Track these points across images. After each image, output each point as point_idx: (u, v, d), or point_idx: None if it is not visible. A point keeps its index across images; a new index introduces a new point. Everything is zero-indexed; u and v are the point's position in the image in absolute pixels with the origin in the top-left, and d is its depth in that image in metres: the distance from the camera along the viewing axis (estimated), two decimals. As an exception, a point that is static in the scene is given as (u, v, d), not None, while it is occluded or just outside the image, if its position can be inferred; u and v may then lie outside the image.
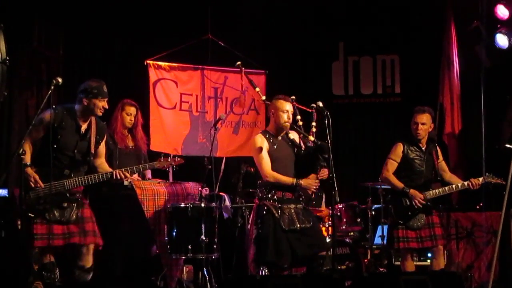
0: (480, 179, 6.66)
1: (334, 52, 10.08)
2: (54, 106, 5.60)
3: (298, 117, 6.24)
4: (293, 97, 6.31)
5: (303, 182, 5.97)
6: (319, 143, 5.98)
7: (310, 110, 6.23)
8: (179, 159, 6.20)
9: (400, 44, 9.90)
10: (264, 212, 5.95)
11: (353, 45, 10.04)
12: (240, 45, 8.68)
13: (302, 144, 6.16)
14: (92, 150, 5.74)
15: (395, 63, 9.97)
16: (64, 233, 5.62)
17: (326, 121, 5.63)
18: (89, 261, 5.73)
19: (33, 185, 5.47)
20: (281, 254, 5.84)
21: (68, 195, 5.61)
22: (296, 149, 6.13)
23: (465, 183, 6.63)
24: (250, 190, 7.69)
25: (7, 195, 6.57)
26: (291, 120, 6.09)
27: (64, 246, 5.69)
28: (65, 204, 5.62)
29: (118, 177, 5.70)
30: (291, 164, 6.08)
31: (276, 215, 5.91)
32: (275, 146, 6.06)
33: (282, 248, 5.83)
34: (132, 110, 6.88)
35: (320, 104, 5.83)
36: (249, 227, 6.21)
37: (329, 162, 5.78)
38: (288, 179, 5.98)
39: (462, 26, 9.04)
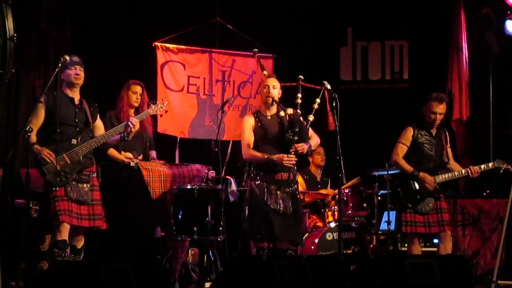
0: (482, 166, 6.62)
1: (342, 37, 10.02)
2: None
3: (299, 95, 6.23)
4: (301, 77, 6.32)
5: (274, 157, 5.99)
6: (292, 117, 6.02)
7: (320, 88, 6.20)
8: (166, 103, 6.60)
9: (409, 30, 9.84)
10: (250, 192, 6.10)
11: (362, 30, 9.98)
12: (248, 28, 8.67)
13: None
14: (90, 120, 5.92)
15: (404, 49, 9.91)
16: (78, 213, 5.73)
17: (334, 104, 5.62)
18: (82, 242, 5.90)
19: (47, 159, 5.61)
20: (261, 228, 5.94)
21: (83, 159, 5.76)
22: (285, 127, 6.12)
23: (463, 171, 6.60)
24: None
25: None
26: (271, 94, 6.15)
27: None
28: (84, 178, 5.78)
29: (133, 122, 5.92)
30: (277, 141, 6.11)
31: (259, 193, 5.99)
32: (261, 124, 6.15)
33: (263, 222, 5.93)
34: (137, 89, 6.84)
35: (328, 86, 5.82)
36: None
37: (302, 135, 5.95)
38: (261, 155, 6.05)
39: (472, 12, 8.98)
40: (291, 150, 5.98)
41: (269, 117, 6.21)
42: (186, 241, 6.66)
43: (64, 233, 5.62)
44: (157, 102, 6.42)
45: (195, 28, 8.43)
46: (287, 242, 6.26)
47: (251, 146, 6.15)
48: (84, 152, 5.77)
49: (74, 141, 5.76)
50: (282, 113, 6.15)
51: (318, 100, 6.17)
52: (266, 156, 6.01)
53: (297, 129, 5.96)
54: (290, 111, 6.10)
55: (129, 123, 5.95)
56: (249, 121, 6.21)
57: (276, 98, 6.18)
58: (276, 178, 6.07)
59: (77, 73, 5.86)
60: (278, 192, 6.04)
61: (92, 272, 4.01)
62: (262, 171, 6.08)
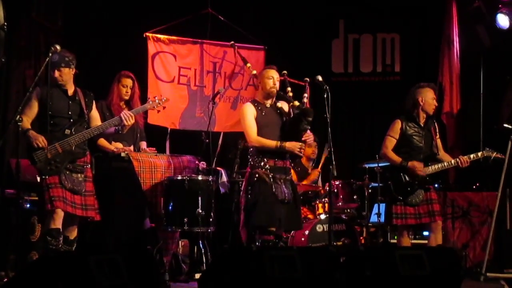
0: (472, 155, 6.63)
1: (334, 29, 10.02)
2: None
3: (289, 88, 6.27)
4: (285, 71, 6.37)
5: (287, 144, 6.00)
6: (303, 107, 6.05)
7: (303, 84, 6.23)
8: (165, 99, 6.36)
9: (400, 23, 9.86)
10: (255, 179, 6.02)
11: (354, 23, 9.98)
12: (240, 20, 8.65)
13: (291, 112, 6.20)
14: (85, 111, 5.90)
15: (395, 42, 9.92)
16: (72, 202, 5.73)
17: (325, 96, 5.63)
18: (75, 233, 5.90)
19: (40, 145, 5.60)
20: (270, 219, 5.91)
21: (75, 150, 5.75)
22: (284, 117, 6.17)
23: (452, 161, 6.61)
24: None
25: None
26: (276, 86, 6.17)
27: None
28: (79, 168, 5.79)
29: (127, 116, 5.90)
30: (278, 131, 6.13)
31: (268, 181, 5.97)
32: (263, 113, 6.14)
33: (272, 213, 5.91)
34: (128, 82, 6.82)
35: (320, 78, 5.83)
36: (241, 196, 6.25)
37: (312, 126, 5.96)
38: (272, 143, 6.04)
39: (463, 6, 9.00)
40: (303, 139, 6.02)
41: (268, 107, 6.21)
42: (177, 232, 6.65)
43: (58, 221, 5.61)
44: (156, 97, 6.36)
45: (186, 19, 8.40)
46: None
47: (256, 133, 6.11)
48: (77, 142, 5.75)
49: (67, 131, 5.76)
50: (279, 104, 6.17)
51: (306, 95, 6.20)
52: (278, 145, 6.01)
53: (311, 119, 5.98)
54: (297, 102, 6.11)
55: (122, 116, 5.92)
56: (250, 109, 6.15)
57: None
58: (278, 165, 6.08)
59: (61, 75, 5.79)
60: (281, 180, 6.05)
61: (82, 262, 4.00)
62: (265, 158, 6.07)
